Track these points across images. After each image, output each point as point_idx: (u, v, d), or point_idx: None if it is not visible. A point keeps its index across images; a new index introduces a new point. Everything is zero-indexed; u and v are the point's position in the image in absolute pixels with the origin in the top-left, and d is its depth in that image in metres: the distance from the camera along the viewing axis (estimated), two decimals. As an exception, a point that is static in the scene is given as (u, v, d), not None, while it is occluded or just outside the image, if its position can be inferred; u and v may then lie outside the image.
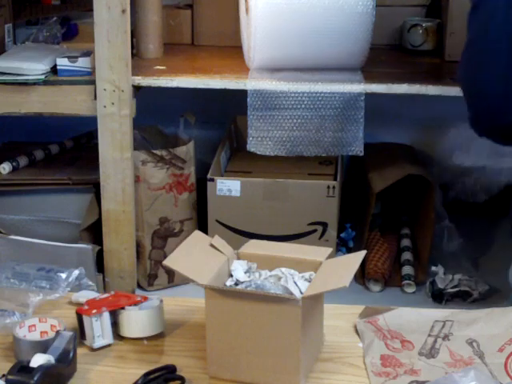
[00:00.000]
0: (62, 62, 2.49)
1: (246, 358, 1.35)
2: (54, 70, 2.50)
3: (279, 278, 1.43)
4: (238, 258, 1.49)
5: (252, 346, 1.34)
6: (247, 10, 2.51)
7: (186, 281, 3.30)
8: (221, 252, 1.46)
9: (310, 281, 1.41)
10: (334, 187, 2.58)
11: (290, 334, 1.31)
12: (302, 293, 1.36)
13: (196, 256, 1.44)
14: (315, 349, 1.44)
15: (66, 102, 2.47)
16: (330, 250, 1.50)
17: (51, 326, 1.47)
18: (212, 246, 1.47)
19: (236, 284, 1.43)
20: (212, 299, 1.36)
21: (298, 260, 1.46)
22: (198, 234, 1.51)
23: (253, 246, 1.53)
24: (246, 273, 1.46)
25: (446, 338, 1.49)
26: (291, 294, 1.36)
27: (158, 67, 2.63)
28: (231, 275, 1.45)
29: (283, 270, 1.45)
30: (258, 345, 1.33)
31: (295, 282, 1.41)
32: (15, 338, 1.43)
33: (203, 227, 2.88)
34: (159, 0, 2.81)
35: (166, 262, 1.39)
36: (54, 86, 2.47)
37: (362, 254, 1.41)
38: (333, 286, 1.32)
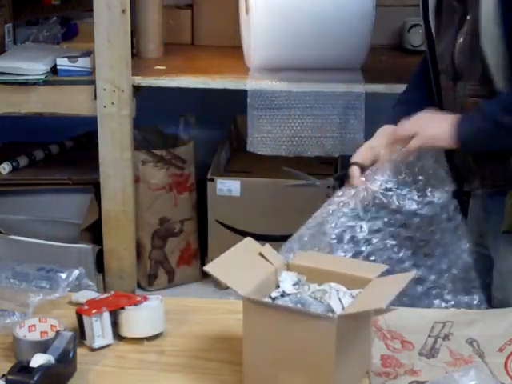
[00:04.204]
0: (62, 62, 2.49)
1: (282, 375, 1.30)
2: (54, 70, 2.50)
3: (325, 293, 1.37)
4: (288, 269, 1.43)
5: (287, 361, 1.29)
6: (247, 9, 2.51)
7: (186, 280, 3.28)
8: (269, 262, 1.40)
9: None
10: (334, 187, 2.58)
11: (325, 351, 1.26)
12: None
13: (241, 264, 1.38)
14: (356, 367, 1.37)
15: (66, 102, 2.48)
16: (383, 267, 1.43)
17: (51, 325, 1.47)
18: (261, 255, 1.40)
19: (282, 295, 1.37)
20: (249, 310, 1.31)
21: (348, 276, 1.40)
22: (249, 241, 1.44)
23: (304, 258, 1.47)
24: (294, 285, 1.40)
25: (446, 338, 1.48)
26: (332, 310, 1.32)
27: (158, 67, 2.63)
28: (278, 286, 1.39)
29: (332, 285, 1.38)
30: (294, 361, 1.29)
31: (339, 299, 1.35)
32: (15, 338, 1.43)
33: (203, 227, 2.88)
34: (159, 0, 2.82)
35: (206, 268, 1.32)
36: (54, 85, 2.47)
37: (411, 274, 1.36)
38: (369, 306, 1.30)
